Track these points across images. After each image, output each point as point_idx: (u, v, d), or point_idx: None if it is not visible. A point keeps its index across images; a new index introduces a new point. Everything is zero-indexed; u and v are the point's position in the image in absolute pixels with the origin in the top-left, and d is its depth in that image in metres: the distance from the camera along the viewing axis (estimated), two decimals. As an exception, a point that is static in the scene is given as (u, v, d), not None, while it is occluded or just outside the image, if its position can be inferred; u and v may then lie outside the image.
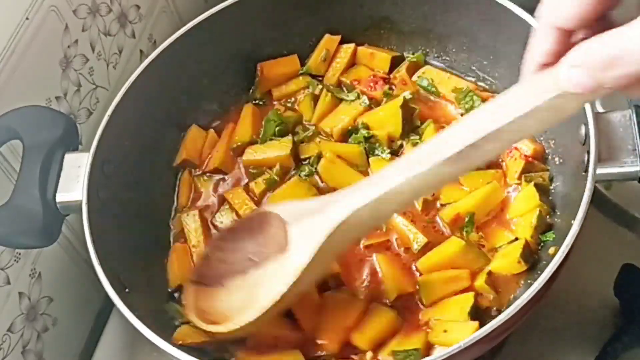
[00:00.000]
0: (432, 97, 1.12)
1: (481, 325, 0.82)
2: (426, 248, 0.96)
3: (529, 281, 0.92)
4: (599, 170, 0.84)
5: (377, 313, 0.92)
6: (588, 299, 1.01)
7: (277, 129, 1.09)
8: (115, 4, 1.18)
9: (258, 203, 1.05)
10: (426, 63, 1.16)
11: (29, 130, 0.95)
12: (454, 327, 0.88)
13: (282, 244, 0.86)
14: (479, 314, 0.90)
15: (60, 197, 0.94)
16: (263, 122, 1.11)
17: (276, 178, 1.06)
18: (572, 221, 0.81)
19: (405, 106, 1.07)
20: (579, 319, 1.00)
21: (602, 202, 1.08)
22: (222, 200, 1.08)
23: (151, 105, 1.07)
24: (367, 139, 1.06)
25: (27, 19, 0.99)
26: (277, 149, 1.07)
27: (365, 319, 0.92)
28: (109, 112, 0.99)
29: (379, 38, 1.17)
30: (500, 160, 1.02)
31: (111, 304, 0.92)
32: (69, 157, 0.97)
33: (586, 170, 0.85)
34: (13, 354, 1.01)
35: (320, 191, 1.03)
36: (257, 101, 1.16)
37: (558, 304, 0.99)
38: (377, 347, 0.90)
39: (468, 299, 0.90)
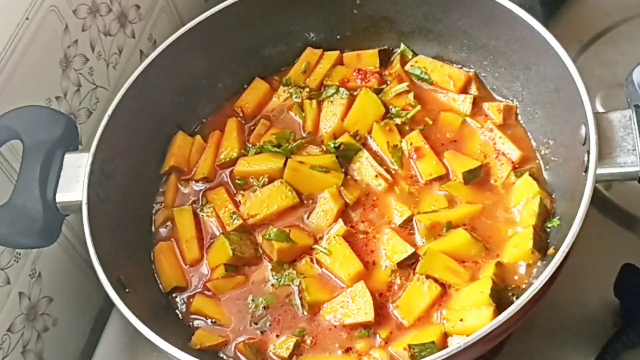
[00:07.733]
0: (424, 86, 1.12)
1: (501, 308, 0.80)
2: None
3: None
4: (599, 171, 0.84)
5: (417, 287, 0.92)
6: (588, 299, 1.01)
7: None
8: (115, 4, 1.18)
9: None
10: (415, 54, 1.15)
11: (29, 130, 0.96)
12: (470, 315, 0.87)
13: None
14: (500, 296, 0.89)
15: (60, 197, 0.94)
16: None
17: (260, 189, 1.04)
18: (572, 221, 0.81)
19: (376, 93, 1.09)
20: (579, 319, 1.00)
21: (602, 202, 1.08)
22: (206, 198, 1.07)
23: (151, 105, 1.07)
24: (336, 147, 1.04)
25: (27, 19, 0.99)
26: (271, 162, 1.05)
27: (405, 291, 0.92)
28: (109, 112, 0.99)
29: (379, 38, 1.17)
30: (486, 162, 1.02)
31: (111, 304, 0.92)
32: (69, 157, 0.97)
33: (586, 170, 0.85)
34: (13, 354, 1.01)
35: (300, 195, 1.02)
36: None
37: (558, 304, 0.99)
38: (419, 320, 0.91)
39: (486, 282, 0.89)
